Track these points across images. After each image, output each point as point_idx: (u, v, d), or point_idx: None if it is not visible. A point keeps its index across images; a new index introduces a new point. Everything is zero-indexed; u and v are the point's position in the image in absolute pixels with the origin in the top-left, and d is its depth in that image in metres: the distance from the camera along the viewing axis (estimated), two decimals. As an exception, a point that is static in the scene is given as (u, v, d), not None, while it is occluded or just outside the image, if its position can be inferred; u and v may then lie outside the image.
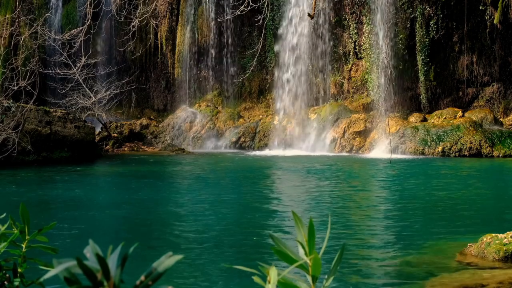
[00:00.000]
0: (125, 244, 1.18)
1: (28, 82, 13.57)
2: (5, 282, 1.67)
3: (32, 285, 1.75)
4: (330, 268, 1.25)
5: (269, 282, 1.13)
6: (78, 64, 17.23)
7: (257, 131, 25.29)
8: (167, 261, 1.12)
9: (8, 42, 23.99)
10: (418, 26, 23.59)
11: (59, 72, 21.61)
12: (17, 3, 13.89)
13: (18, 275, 1.69)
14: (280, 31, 25.58)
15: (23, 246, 1.73)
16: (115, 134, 25.90)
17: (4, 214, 1.90)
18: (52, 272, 1.10)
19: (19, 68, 16.41)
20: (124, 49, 26.59)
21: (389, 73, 22.87)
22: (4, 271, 1.69)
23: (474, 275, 6.54)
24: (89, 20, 14.56)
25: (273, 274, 1.13)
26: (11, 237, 1.72)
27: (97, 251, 1.11)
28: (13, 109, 18.16)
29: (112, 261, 1.08)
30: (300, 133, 24.51)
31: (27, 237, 1.73)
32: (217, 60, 27.60)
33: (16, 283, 1.67)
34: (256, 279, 1.17)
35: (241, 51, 27.33)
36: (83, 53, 16.30)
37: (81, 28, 14.83)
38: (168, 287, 1.05)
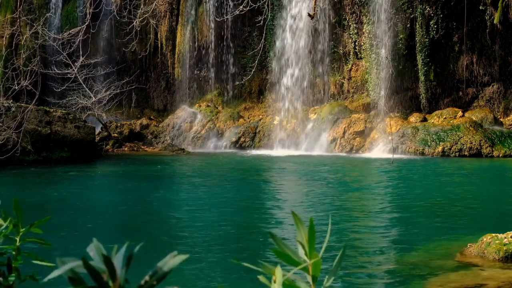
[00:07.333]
0: (127, 244, 1.18)
1: (29, 82, 13.56)
2: (0, 279, 1.65)
3: (26, 280, 1.75)
4: (331, 269, 1.26)
5: (275, 282, 1.13)
6: (76, 63, 17.23)
7: (257, 131, 25.28)
8: (172, 260, 1.11)
9: (9, 42, 24.00)
10: (418, 26, 23.59)
11: (58, 71, 21.59)
12: (18, 3, 13.89)
13: (13, 269, 1.69)
14: (280, 31, 25.59)
15: (17, 239, 1.73)
16: (115, 134, 25.90)
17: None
18: (56, 272, 1.09)
19: (20, 68, 16.41)
20: (129, 50, 26.55)
21: (389, 73, 22.87)
22: None
23: (474, 275, 6.55)
24: (89, 20, 14.56)
25: (278, 274, 1.13)
26: (4, 231, 1.72)
27: (101, 250, 1.10)
28: (13, 109, 18.15)
29: (117, 261, 1.07)
30: (300, 133, 24.51)
31: (20, 230, 1.73)
32: (217, 60, 27.59)
33: (12, 279, 1.66)
34: (262, 279, 1.18)
35: (241, 51, 27.33)
36: (81, 52, 16.32)
37: (79, 27, 14.84)
38: (173, 287, 1.05)
